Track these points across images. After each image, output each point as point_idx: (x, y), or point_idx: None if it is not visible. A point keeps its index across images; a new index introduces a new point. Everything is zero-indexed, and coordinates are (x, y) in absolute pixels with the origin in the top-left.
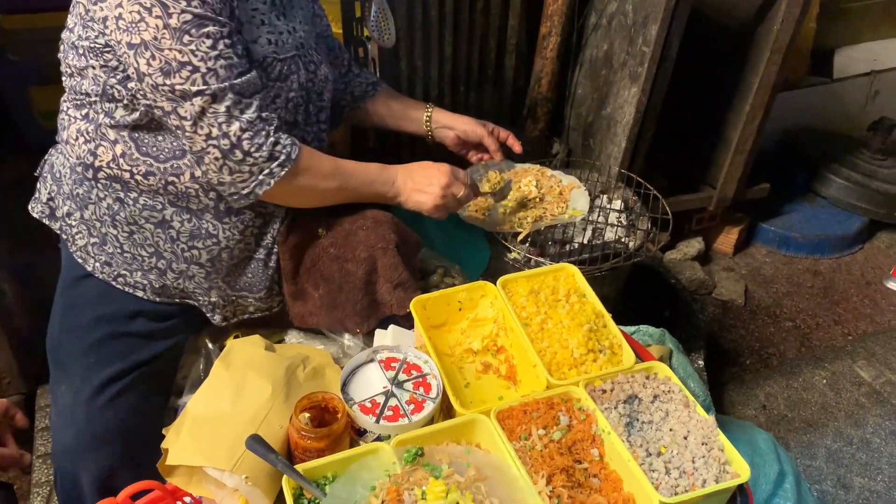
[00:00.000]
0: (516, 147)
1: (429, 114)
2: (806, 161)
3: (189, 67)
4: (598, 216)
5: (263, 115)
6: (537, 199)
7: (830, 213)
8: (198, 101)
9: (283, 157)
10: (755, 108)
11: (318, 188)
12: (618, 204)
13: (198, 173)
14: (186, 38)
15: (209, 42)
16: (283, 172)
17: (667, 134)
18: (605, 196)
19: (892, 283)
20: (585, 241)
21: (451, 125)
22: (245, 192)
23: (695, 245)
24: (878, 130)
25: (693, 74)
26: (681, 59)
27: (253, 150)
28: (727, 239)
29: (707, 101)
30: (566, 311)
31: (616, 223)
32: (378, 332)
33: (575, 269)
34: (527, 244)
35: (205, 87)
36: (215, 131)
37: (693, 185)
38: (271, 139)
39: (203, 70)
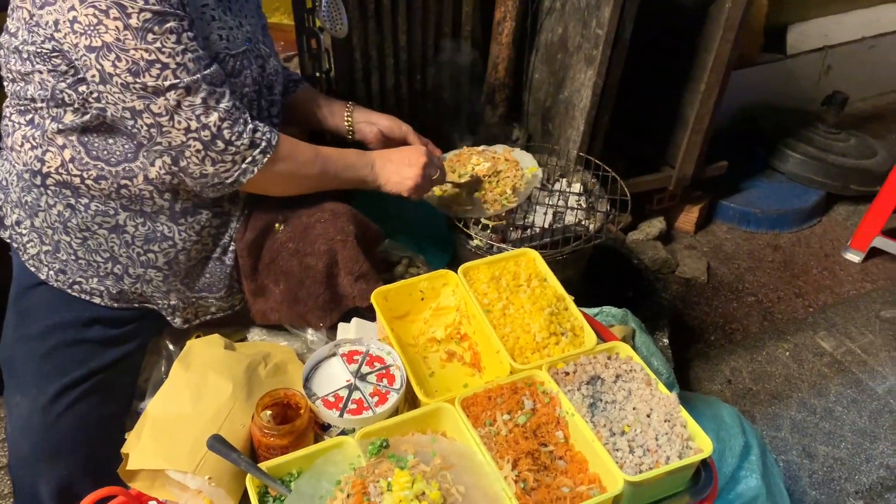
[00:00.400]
0: (436, 152)
1: (349, 111)
2: (763, 137)
3: (158, 65)
4: (558, 200)
5: (236, 103)
6: (495, 174)
7: (788, 188)
8: (172, 95)
9: (263, 144)
10: (710, 87)
11: (299, 174)
12: (577, 187)
13: (152, 174)
14: (150, 36)
15: (173, 38)
16: (265, 159)
17: (626, 115)
18: (564, 180)
19: (849, 254)
20: (546, 226)
21: (373, 121)
22: (229, 181)
23: (656, 225)
24: (832, 105)
25: (649, 55)
26: (637, 40)
27: (234, 138)
28: (688, 217)
29: (664, 81)
30: (527, 296)
31: (576, 206)
32: (341, 325)
33: (536, 254)
34: (488, 231)
35: (177, 81)
36: (194, 124)
37: (653, 165)
38: (250, 126)
39: (172, 66)
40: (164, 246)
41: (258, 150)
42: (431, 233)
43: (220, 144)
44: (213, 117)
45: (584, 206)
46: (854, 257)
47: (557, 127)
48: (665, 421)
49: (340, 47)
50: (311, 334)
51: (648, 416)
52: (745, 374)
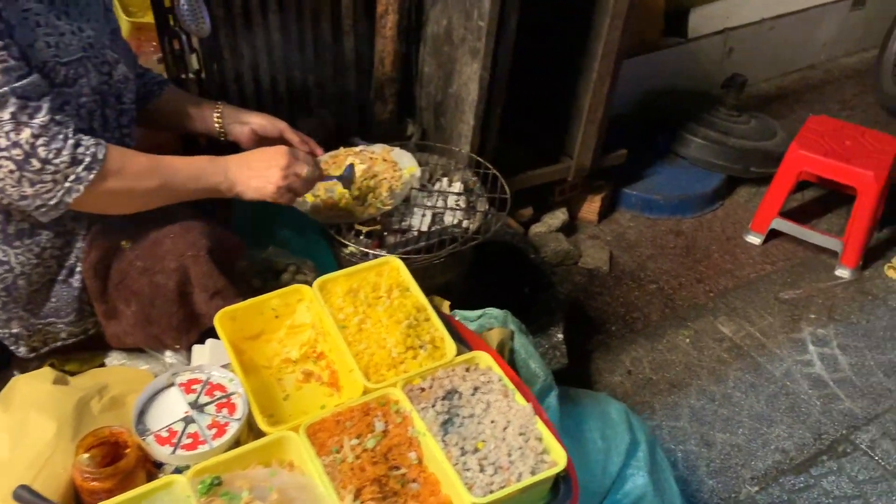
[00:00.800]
0: (318, 151)
1: (219, 110)
2: (665, 122)
3: None
4: (437, 200)
5: (57, 118)
6: (371, 176)
7: (691, 173)
8: None
9: (88, 160)
10: (602, 76)
11: (136, 189)
12: (457, 186)
13: None
14: None
15: None
16: (91, 176)
17: (526, 105)
18: (445, 179)
19: (750, 236)
20: (425, 228)
21: (244, 120)
22: (53, 202)
23: (559, 216)
24: (731, 88)
25: (543, 43)
26: (529, 28)
27: (51, 156)
28: (591, 207)
29: (559, 70)
30: (385, 309)
31: (455, 206)
32: (196, 347)
33: (399, 263)
34: (361, 237)
35: None
36: (3, 142)
37: (554, 156)
38: (70, 141)
39: None
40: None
41: (82, 167)
42: (319, 239)
43: (36, 164)
44: (25, 134)
45: (463, 206)
46: (755, 240)
47: (449, 122)
48: (520, 434)
49: (209, 47)
50: (169, 356)
51: (505, 429)
52: (645, 363)
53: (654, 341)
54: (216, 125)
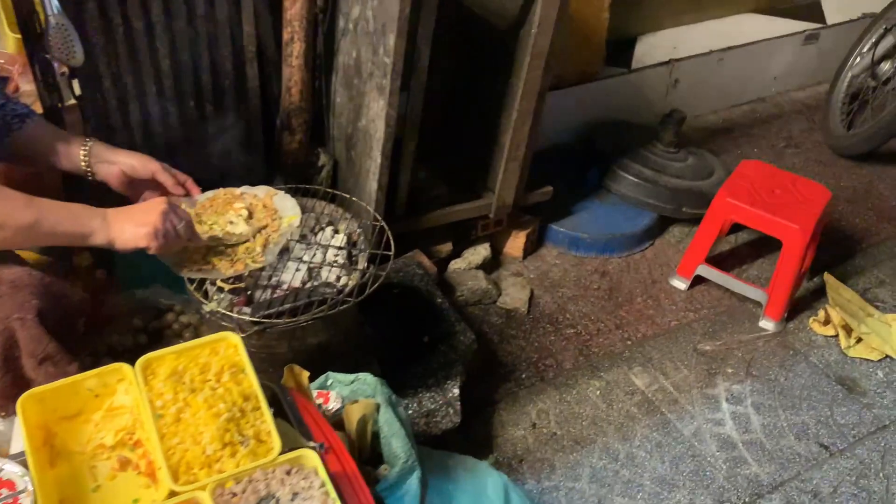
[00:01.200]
0: (195, 191)
1: (86, 148)
2: (601, 155)
3: None
4: (315, 254)
5: None
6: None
7: (621, 211)
8: None
9: None
10: (523, 114)
11: (7, 225)
12: (340, 238)
13: None
14: None
15: None
16: None
17: (451, 139)
18: (329, 228)
19: (676, 281)
20: (298, 284)
21: (113, 160)
22: None
23: (481, 252)
24: (668, 123)
25: (469, 77)
26: (457, 61)
27: None
28: (516, 243)
29: (483, 106)
30: (206, 398)
31: (334, 262)
32: (17, 423)
33: (237, 340)
34: (224, 294)
35: None
36: None
37: (477, 191)
38: None
39: None
40: None
41: None
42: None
43: None
44: None
45: (342, 261)
46: (680, 285)
47: (359, 156)
48: None
49: (87, 76)
50: None
51: None
52: (551, 416)
53: (564, 392)
54: (82, 163)
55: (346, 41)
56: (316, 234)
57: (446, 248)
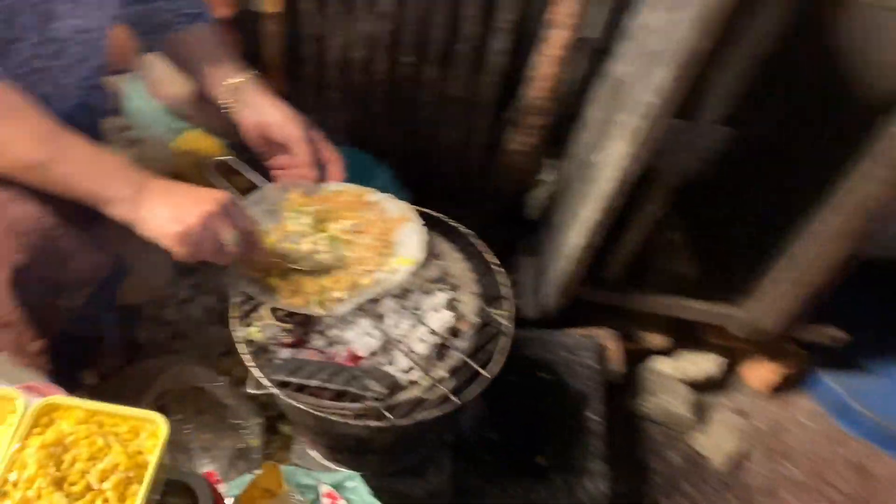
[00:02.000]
0: (336, 177)
1: (238, 81)
2: None
3: None
4: (400, 323)
5: None
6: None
7: None
8: None
9: None
10: (837, 236)
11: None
12: (442, 318)
13: None
14: None
15: None
16: None
17: (723, 199)
18: (447, 295)
19: None
20: (363, 353)
21: (258, 106)
22: None
23: (704, 365)
24: None
25: (773, 130)
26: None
27: None
28: (761, 372)
29: (779, 177)
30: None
31: (416, 346)
32: None
33: (164, 430)
34: (271, 322)
35: None
36: None
37: (729, 288)
38: None
39: None
40: None
41: None
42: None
43: None
44: None
45: (424, 350)
46: None
47: (577, 193)
48: None
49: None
50: None
51: None
52: None
53: None
54: (223, 94)
55: (624, 46)
56: (426, 294)
57: (658, 340)
